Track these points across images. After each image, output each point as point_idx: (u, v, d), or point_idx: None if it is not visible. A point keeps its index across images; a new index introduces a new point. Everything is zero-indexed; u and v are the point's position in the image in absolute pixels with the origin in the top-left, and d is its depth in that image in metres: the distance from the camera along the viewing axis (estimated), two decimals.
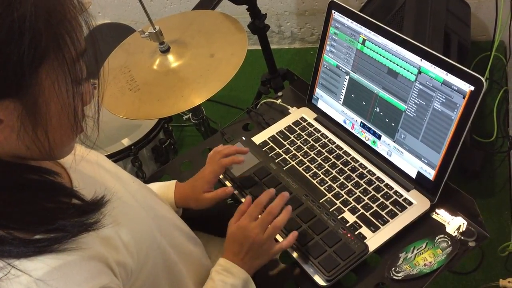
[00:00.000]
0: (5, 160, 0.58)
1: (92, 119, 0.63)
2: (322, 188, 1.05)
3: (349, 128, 1.15)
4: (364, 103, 1.09)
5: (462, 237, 0.93)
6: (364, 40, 1.05)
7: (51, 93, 0.55)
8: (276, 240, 0.92)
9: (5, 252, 0.55)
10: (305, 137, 1.17)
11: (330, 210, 1.00)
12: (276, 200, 0.92)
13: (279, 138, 1.19)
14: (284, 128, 1.21)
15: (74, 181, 0.69)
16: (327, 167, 1.09)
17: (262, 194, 0.93)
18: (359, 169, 1.08)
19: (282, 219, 0.89)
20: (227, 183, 1.11)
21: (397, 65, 0.98)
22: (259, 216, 0.90)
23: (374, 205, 1.00)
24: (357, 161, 1.09)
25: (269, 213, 0.90)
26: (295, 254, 0.94)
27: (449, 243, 0.92)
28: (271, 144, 1.18)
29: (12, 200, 0.57)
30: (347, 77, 1.12)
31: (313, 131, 1.18)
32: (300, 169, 1.11)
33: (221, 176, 1.10)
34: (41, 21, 0.51)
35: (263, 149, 1.16)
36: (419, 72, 0.95)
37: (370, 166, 1.08)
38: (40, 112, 0.55)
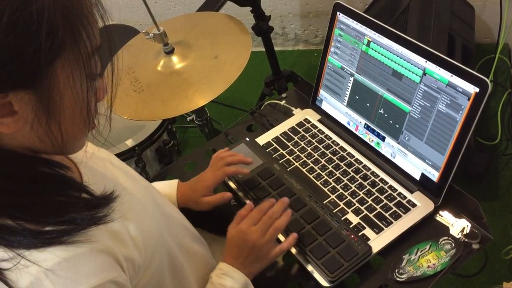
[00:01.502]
0: (18, 151, 0.58)
1: (104, 116, 0.63)
2: (325, 190, 1.05)
3: (353, 129, 1.15)
4: (368, 104, 1.09)
5: (466, 239, 0.92)
6: (369, 42, 1.05)
7: (65, 86, 0.55)
8: (278, 240, 0.92)
9: (15, 243, 0.55)
10: (309, 138, 1.18)
11: (334, 211, 1.00)
12: (276, 205, 0.93)
13: (283, 139, 1.19)
14: (288, 130, 1.21)
15: (84, 176, 0.70)
16: (330, 168, 1.09)
17: (264, 202, 0.94)
18: (362, 171, 1.07)
19: (282, 221, 0.91)
20: (231, 183, 1.11)
21: (402, 66, 0.98)
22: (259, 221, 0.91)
23: (377, 207, 1.00)
24: (361, 162, 1.09)
25: (270, 217, 0.91)
26: (298, 255, 0.94)
27: (453, 245, 0.92)
28: (275, 145, 1.18)
29: (24, 191, 0.57)
30: (352, 79, 1.12)
31: (317, 133, 1.19)
32: (304, 170, 1.11)
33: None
34: (58, 15, 0.52)
35: (267, 150, 1.16)
36: (424, 74, 0.95)
37: (374, 168, 1.08)
38: (54, 105, 0.55)
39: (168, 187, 1.04)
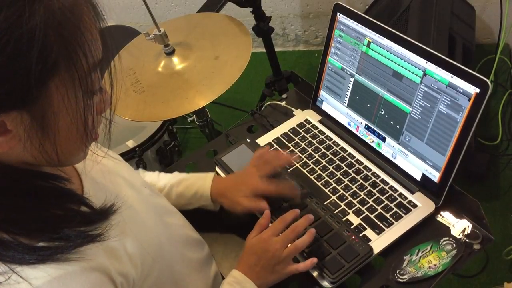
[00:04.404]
0: (13, 166, 0.57)
1: (106, 127, 0.62)
2: (326, 190, 1.05)
3: (353, 130, 1.15)
4: (368, 105, 1.09)
5: (467, 240, 0.92)
6: (369, 43, 1.05)
7: (60, 106, 0.53)
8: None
9: (8, 257, 0.54)
10: (310, 139, 1.18)
11: (335, 212, 1.00)
12: (301, 220, 0.91)
13: (284, 140, 1.19)
14: (289, 130, 1.21)
15: (85, 187, 0.69)
16: (331, 169, 1.09)
17: (288, 213, 0.92)
18: (363, 171, 1.07)
19: (304, 240, 0.89)
20: None
21: (402, 67, 0.98)
22: (281, 233, 0.90)
23: (378, 208, 1.00)
24: (362, 163, 1.09)
25: (293, 231, 0.89)
26: (299, 256, 0.94)
27: (454, 245, 0.92)
28: (276, 146, 1.18)
29: (19, 205, 0.57)
30: (352, 79, 1.12)
31: (318, 133, 1.19)
32: (305, 171, 1.11)
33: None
34: (52, 34, 0.49)
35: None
36: (424, 75, 0.95)
37: (374, 168, 1.08)
38: (48, 125, 0.54)
39: (203, 180, 1.02)
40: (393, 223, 0.97)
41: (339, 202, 1.03)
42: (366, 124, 1.11)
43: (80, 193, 0.68)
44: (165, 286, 0.77)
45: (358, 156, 1.11)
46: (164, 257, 0.78)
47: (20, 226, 0.56)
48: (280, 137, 1.20)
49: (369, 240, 0.95)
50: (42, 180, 0.60)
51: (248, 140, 1.17)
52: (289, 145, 1.17)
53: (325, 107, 1.22)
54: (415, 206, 0.99)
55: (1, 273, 0.54)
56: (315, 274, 0.91)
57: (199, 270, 0.92)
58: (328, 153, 1.13)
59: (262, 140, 1.19)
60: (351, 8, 1.08)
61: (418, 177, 1.01)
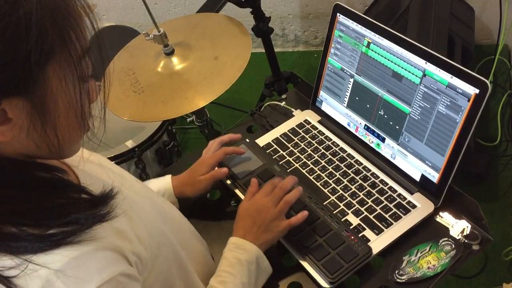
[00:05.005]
0: (15, 158, 0.58)
1: (99, 118, 0.63)
2: (325, 191, 1.05)
3: (353, 130, 1.15)
4: (368, 105, 1.09)
5: (466, 241, 0.92)
6: (369, 43, 1.05)
7: (58, 90, 0.55)
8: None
9: (20, 249, 0.55)
10: (309, 139, 1.18)
11: (334, 212, 1.00)
12: (287, 179, 0.96)
13: (283, 141, 1.19)
14: (288, 131, 1.21)
15: (81, 179, 0.70)
16: (330, 169, 1.09)
17: (275, 178, 0.98)
18: (362, 172, 1.07)
19: (293, 195, 0.93)
20: (231, 185, 1.11)
21: (402, 68, 0.99)
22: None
23: (377, 208, 1.00)
24: (361, 163, 1.09)
25: (281, 189, 0.94)
26: (298, 256, 0.94)
27: (453, 246, 0.92)
28: (275, 146, 1.18)
29: (24, 197, 0.57)
30: (352, 80, 1.12)
31: (317, 134, 1.19)
32: (304, 171, 1.11)
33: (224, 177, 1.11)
34: (46, 18, 0.51)
35: (267, 151, 1.16)
36: (424, 75, 0.95)
37: (374, 169, 1.08)
38: (48, 110, 0.55)
39: (162, 180, 1.06)
40: (392, 224, 0.97)
41: (338, 202, 1.03)
42: (365, 125, 1.11)
43: (77, 183, 0.68)
44: (172, 271, 0.78)
45: (357, 156, 1.11)
46: (168, 243, 0.79)
47: (26, 217, 0.56)
48: (280, 137, 1.20)
49: (368, 240, 0.95)
50: (43, 171, 0.61)
51: (247, 140, 1.17)
52: (289, 145, 1.17)
53: (324, 107, 1.22)
54: (414, 206, 0.99)
55: (14, 267, 0.54)
56: (314, 274, 0.91)
57: (199, 260, 0.92)
58: (327, 153, 1.13)
59: (262, 141, 1.20)
60: (350, 9, 1.08)
61: (417, 178, 1.01)
